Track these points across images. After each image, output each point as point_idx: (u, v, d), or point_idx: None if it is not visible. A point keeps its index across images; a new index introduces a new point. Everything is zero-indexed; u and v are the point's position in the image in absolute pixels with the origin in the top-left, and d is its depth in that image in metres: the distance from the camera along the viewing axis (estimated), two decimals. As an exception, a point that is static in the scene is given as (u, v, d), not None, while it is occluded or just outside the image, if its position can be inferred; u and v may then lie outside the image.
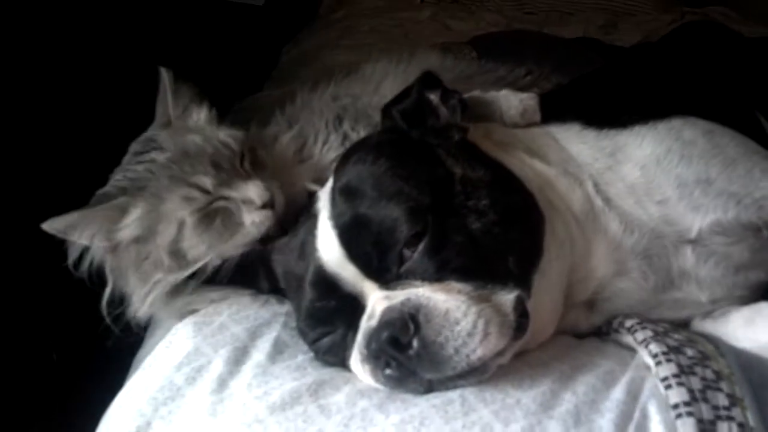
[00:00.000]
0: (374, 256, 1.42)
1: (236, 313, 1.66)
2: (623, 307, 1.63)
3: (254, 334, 1.60)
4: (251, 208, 1.65)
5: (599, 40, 3.20)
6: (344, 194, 1.49)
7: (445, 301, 1.35)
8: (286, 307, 1.69)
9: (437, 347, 1.33)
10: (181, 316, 1.71)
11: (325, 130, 1.88)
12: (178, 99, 1.79)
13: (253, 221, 1.65)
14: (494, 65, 2.35)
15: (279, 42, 4.03)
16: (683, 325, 1.65)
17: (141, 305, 1.68)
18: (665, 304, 1.64)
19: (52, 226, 1.59)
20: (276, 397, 1.41)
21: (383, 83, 2.08)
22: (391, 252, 1.41)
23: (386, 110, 1.69)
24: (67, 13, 3.52)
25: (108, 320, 1.71)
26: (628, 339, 1.54)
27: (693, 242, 1.63)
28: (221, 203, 1.65)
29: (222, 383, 1.48)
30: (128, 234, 1.63)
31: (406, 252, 1.41)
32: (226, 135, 1.73)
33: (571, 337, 1.63)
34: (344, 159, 1.58)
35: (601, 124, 1.74)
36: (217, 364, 1.52)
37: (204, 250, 1.64)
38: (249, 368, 1.51)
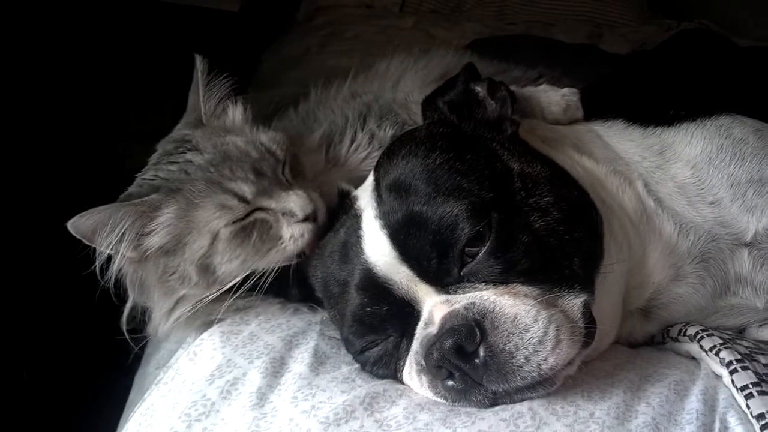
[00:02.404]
0: (432, 256, 1.30)
1: (266, 322, 1.53)
2: (680, 315, 1.55)
3: (290, 344, 1.47)
4: (291, 221, 1.50)
5: (598, 47, 3.14)
6: (394, 191, 1.37)
7: (513, 306, 1.25)
8: (320, 316, 1.57)
9: (506, 356, 1.22)
10: (199, 327, 1.56)
11: (350, 129, 1.76)
12: (212, 93, 1.64)
13: (292, 235, 1.50)
14: (508, 66, 2.26)
15: (254, 48, 3.93)
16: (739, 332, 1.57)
17: (162, 321, 1.53)
18: (721, 311, 1.56)
19: (78, 225, 1.41)
20: (327, 411, 1.29)
21: (403, 79, 1.98)
22: (451, 252, 1.29)
23: (429, 102, 1.59)
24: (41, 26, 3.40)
25: (126, 335, 1.56)
26: (692, 347, 1.45)
27: (749, 245, 1.55)
28: (260, 215, 1.49)
29: (262, 397, 1.35)
30: (157, 241, 1.47)
31: (467, 252, 1.29)
32: (268, 139, 1.58)
33: (626, 347, 1.53)
34: (390, 154, 1.46)
35: (645, 122, 1.67)
36: (254, 376, 1.39)
37: (236, 267, 1.49)
38: (290, 380, 1.38)
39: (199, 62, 1.63)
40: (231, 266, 1.48)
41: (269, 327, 1.52)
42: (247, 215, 1.48)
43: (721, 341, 1.41)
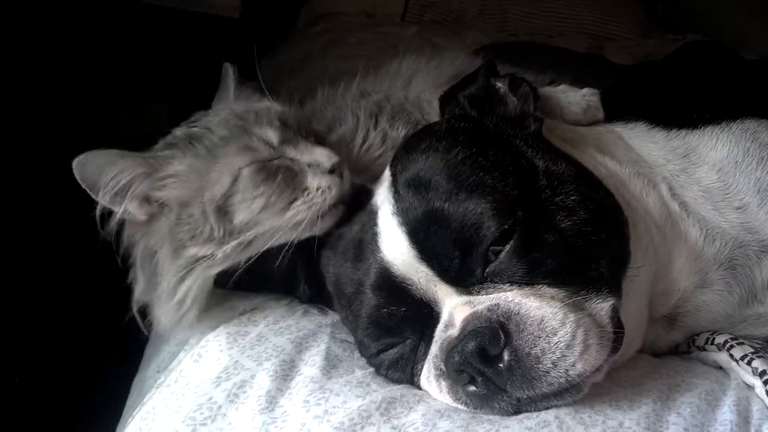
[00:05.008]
0: (454, 255, 1.23)
1: (274, 324, 1.46)
2: (706, 323, 1.49)
3: (300, 346, 1.40)
4: (317, 171, 1.42)
5: (605, 57, 3.10)
6: (413, 186, 1.30)
7: (539, 308, 1.18)
8: (331, 318, 1.50)
9: (532, 360, 1.15)
10: (203, 328, 1.49)
11: (362, 129, 1.69)
12: (240, 93, 1.61)
13: (320, 186, 1.41)
14: (519, 70, 2.19)
15: (254, 54, 3.89)
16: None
17: (169, 295, 1.42)
18: (748, 320, 1.50)
19: (84, 163, 1.34)
20: (341, 416, 1.22)
21: (414, 79, 1.91)
22: (475, 251, 1.23)
23: (449, 96, 1.53)
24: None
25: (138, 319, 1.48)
26: (720, 356, 1.39)
27: None
28: (285, 162, 1.42)
29: (272, 401, 1.28)
30: (171, 194, 1.40)
31: (491, 251, 1.23)
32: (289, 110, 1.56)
33: (650, 356, 1.47)
34: (408, 148, 1.40)
35: (669, 124, 1.62)
36: (263, 379, 1.32)
37: (256, 213, 1.39)
38: (301, 384, 1.31)
39: (230, 70, 1.65)
40: (250, 210, 1.39)
41: (278, 329, 1.45)
42: (272, 159, 1.42)
43: (752, 350, 1.35)
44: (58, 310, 2.78)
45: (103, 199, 1.37)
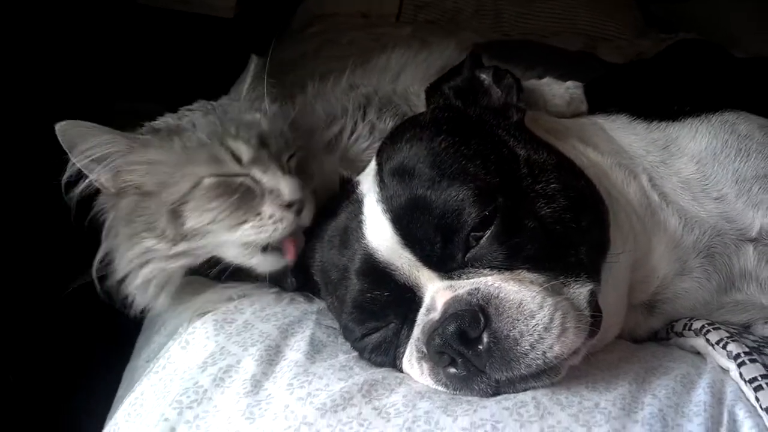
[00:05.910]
0: (436, 241, 1.26)
1: (261, 311, 1.49)
2: (684, 310, 1.52)
3: (285, 332, 1.43)
4: (276, 201, 1.43)
5: (596, 56, 3.13)
6: (397, 175, 1.33)
7: (518, 292, 1.21)
8: (317, 306, 1.53)
9: (511, 342, 1.18)
10: (191, 317, 1.52)
11: (351, 120, 1.73)
12: (254, 90, 1.64)
13: (273, 215, 1.42)
14: (508, 66, 2.22)
15: (249, 55, 3.91)
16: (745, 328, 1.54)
17: (132, 277, 1.48)
18: (726, 307, 1.54)
19: (66, 127, 1.38)
20: (324, 398, 1.25)
21: (403, 72, 1.96)
22: (456, 237, 1.26)
23: (434, 88, 1.56)
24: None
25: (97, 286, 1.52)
26: (697, 342, 1.42)
27: (754, 241, 1.53)
28: (248, 181, 1.44)
29: (256, 384, 1.30)
30: (138, 180, 1.44)
31: (472, 237, 1.26)
32: (288, 131, 1.55)
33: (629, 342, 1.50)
34: (393, 138, 1.43)
35: (649, 116, 1.65)
36: (248, 364, 1.35)
37: (204, 224, 1.42)
38: (286, 368, 1.34)
39: (254, 64, 1.70)
40: (200, 220, 1.42)
41: (264, 316, 1.48)
42: (235, 176, 1.44)
43: (728, 334, 1.38)
44: (47, 310, 2.79)
45: (78, 162, 1.41)
